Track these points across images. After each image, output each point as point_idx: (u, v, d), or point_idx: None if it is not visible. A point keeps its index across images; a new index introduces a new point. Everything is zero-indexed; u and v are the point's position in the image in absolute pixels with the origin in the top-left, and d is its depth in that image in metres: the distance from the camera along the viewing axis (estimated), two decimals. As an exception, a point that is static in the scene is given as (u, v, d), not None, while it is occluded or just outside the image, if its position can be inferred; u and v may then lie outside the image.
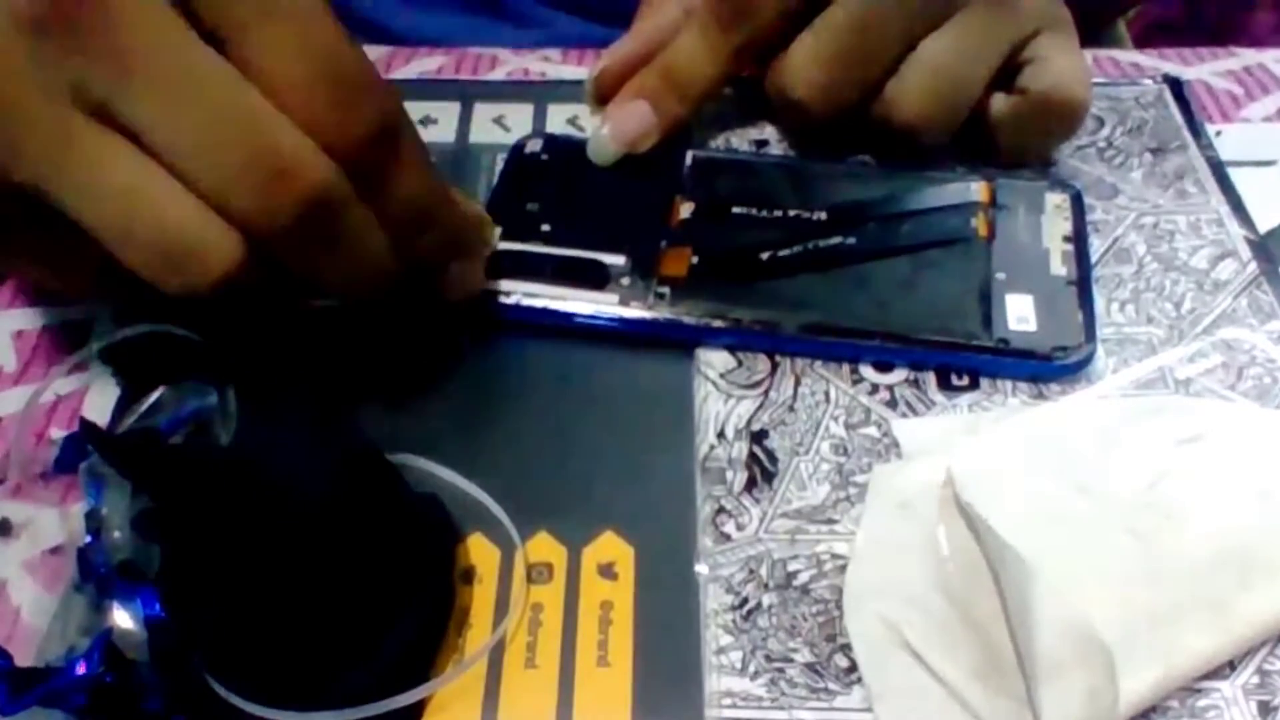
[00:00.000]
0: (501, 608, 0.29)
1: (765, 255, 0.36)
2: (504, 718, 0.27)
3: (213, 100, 0.27)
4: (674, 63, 0.39)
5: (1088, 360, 0.34)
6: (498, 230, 0.36)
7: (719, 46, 0.39)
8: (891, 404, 0.34)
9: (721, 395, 0.34)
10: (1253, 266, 0.37)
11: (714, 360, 0.35)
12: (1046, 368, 0.34)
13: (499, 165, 0.41)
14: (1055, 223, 0.37)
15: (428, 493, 0.31)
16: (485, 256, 0.35)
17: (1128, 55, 0.46)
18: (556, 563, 0.30)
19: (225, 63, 0.27)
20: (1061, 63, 0.38)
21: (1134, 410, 0.33)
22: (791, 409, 0.34)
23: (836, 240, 0.36)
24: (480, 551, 0.31)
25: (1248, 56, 0.46)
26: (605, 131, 0.39)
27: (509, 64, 0.46)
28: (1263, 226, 0.39)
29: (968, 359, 0.34)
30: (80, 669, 0.26)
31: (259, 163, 0.27)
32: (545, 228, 0.37)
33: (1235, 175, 0.40)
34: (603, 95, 0.41)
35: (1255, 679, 0.28)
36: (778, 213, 0.38)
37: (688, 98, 0.39)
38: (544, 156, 0.40)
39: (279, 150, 0.27)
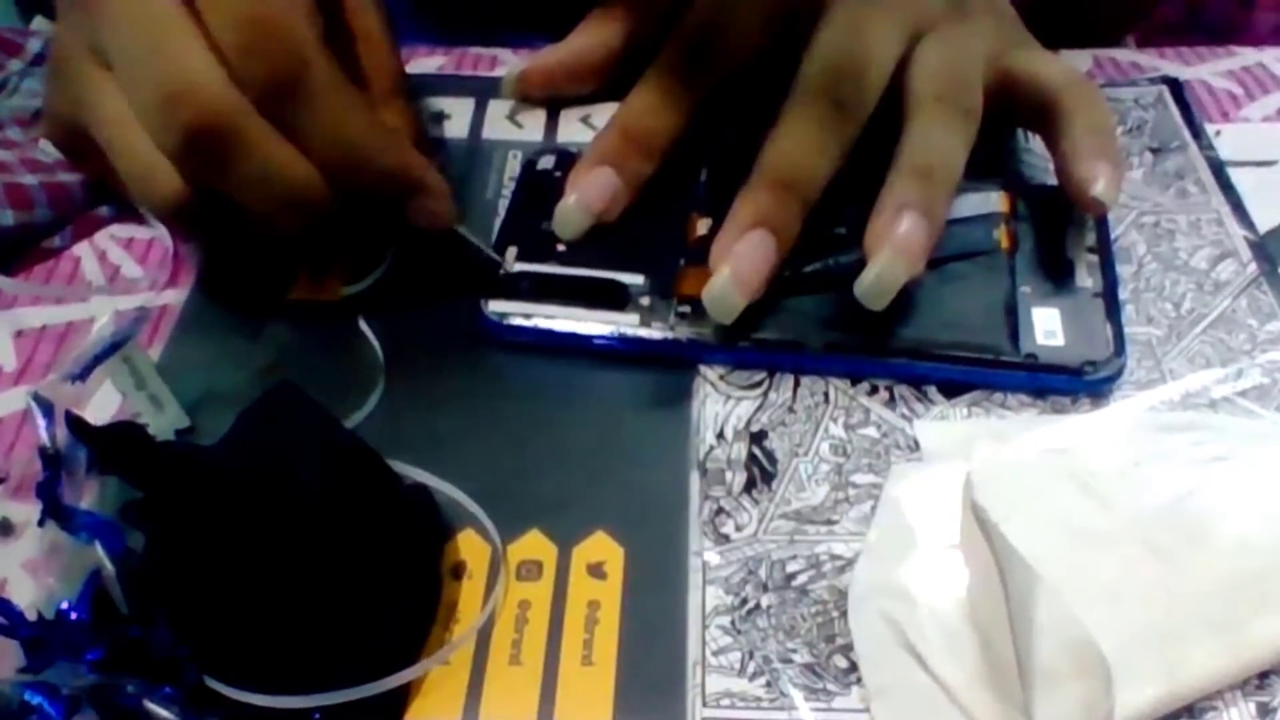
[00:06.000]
0: (489, 603, 0.29)
1: (787, 272, 0.34)
2: (486, 713, 0.28)
3: (145, 33, 0.31)
4: (633, 121, 0.37)
5: (1118, 374, 0.33)
6: (513, 250, 0.36)
7: (679, 97, 0.37)
8: (890, 404, 0.34)
9: (721, 396, 0.34)
10: (1253, 267, 0.37)
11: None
12: (1076, 383, 0.33)
13: (510, 162, 0.41)
14: (1078, 232, 0.36)
15: (419, 484, 0.31)
16: (446, 197, 0.35)
17: (1128, 55, 0.46)
18: (546, 561, 0.30)
19: (177, 5, 0.30)
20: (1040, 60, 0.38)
21: (1162, 426, 0.32)
22: (791, 410, 0.34)
23: (857, 256, 0.34)
24: (471, 547, 0.31)
25: (1248, 56, 0.46)
26: (572, 202, 0.36)
27: (510, 64, 0.46)
28: (1263, 226, 0.39)
29: (996, 376, 0.34)
30: (72, 616, 0.27)
31: (160, 87, 0.30)
32: (561, 247, 0.36)
33: (1235, 175, 0.40)
34: (514, 94, 0.43)
35: (1255, 680, 0.28)
36: None
37: (653, 154, 0.37)
38: (556, 174, 0.39)
39: (179, 77, 0.30)
